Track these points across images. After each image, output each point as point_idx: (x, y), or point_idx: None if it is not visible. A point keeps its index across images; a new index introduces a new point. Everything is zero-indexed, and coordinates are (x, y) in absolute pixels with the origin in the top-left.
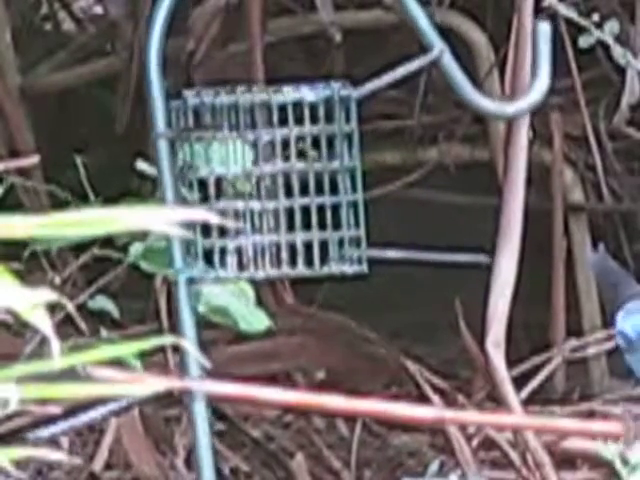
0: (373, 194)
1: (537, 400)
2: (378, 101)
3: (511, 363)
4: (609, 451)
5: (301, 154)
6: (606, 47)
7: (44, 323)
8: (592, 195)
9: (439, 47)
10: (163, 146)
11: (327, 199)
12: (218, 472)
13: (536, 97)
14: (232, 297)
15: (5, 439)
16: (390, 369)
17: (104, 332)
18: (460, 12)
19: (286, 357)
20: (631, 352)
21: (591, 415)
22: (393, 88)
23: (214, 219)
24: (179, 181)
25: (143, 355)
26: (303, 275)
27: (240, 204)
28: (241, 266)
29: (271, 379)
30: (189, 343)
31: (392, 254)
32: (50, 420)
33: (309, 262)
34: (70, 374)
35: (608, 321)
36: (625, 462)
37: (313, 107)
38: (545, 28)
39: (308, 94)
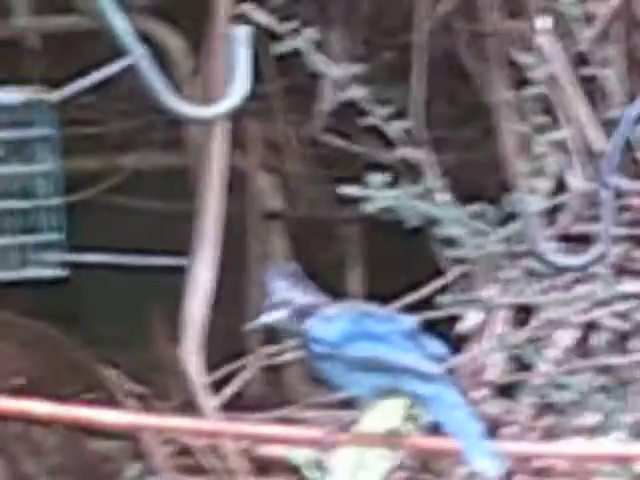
0: (73, 199)
1: (234, 406)
2: (77, 106)
3: (208, 369)
4: (300, 456)
5: (1, 158)
6: (303, 54)
7: None
8: (288, 202)
9: (138, 52)
10: None
11: (27, 203)
12: None
13: (234, 102)
14: None
15: None
16: (87, 375)
17: None
18: (158, 18)
19: None
20: (328, 359)
21: (287, 421)
22: (92, 93)
23: None
24: None
25: None
26: (2, 279)
27: None
28: None
29: None
30: None
31: (92, 258)
32: None
33: (9, 266)
34: None
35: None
36: (318, 467)
37: (12, 111)
38: (243, 34)
39: (6, 98)
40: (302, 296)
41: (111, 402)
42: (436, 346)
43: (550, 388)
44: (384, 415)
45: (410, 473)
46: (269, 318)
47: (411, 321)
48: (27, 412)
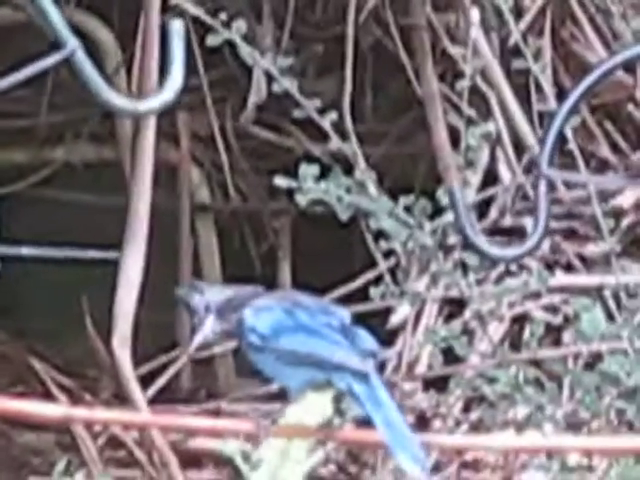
0: (3, 192)
1: (164, 399)
2: (5, 100)
3: (138, 362)
4: (230, 448)
5: None
6: (233, 46)
7: None
8: (219, 194)
9: (72, 45)
10: None
11: None
12: None
13: (169, 95)
14: None
15: None
16: (16, 367)
17: None
18: (87, 10)
19: None
20: (261, 350)
21: (218, 413)
22: (21, 87)
23: None
24: None
25: None
26: None
27: None
28: None
29: None
30: None
31: (24, 251)
32: None
33: None
34: None
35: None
36: (247, 459)
37: None
38: (177, 26)
39: None
40: (220, 294)
41: (42, 395)
42: (368, 340)
43: (481, 381)
44: (311, 408)
45: (339, 466)
46: (202, 335)
47: (344, 313)
48: None
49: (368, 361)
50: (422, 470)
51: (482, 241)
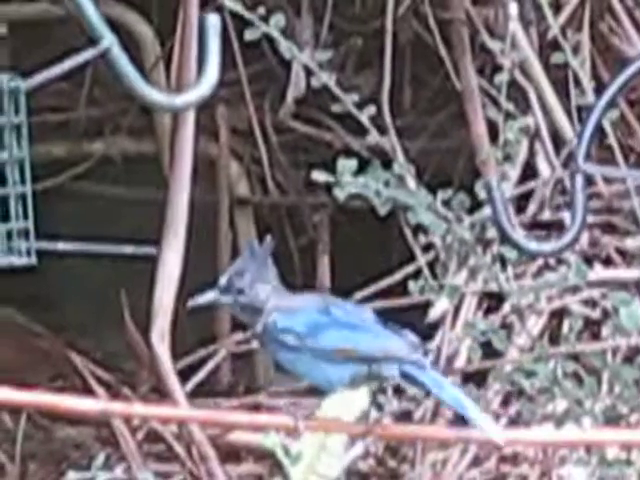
0: (42, 186)
1: (203, 393)
2: (45, 93)
3: (177, 356)
4: (271, 442)
5: None
6: (272, 40)
7: None
8: (258, 188)
9: (108, 39)
10: None
11: None
12: None
13: (205, 90)
14: None
15: None
16: (55, 362)
17: None
18: (126, 5)
19: None
20: (297, 350)
21: (256, 408)
22: (61, 80)
23: None
24: None
25: None
26: None
27: None
28: None
29: None
30: None
31: (61, 246)
32: None
33: None
34: None
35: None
36: (287, 452)
37: None
38: (214, 21)
39: None
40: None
41: (81, 389)
42: (407, 333)
43: (519, 375)
44: (348, 401)
45: (378, 460)
46: (203, 299)
47: (372, 313)
48: None
49: (417, 350)
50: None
51: (519, 235)
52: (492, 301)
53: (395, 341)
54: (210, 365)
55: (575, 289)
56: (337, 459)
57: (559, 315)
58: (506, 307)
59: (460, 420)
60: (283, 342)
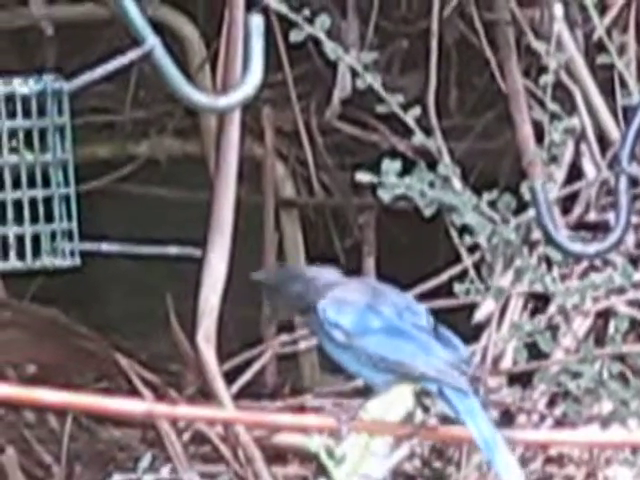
0: (86, 187)
1: (248, 394)
2: (90, 95)
3: (222, 358)
4: (316, 444)
5: (13, 147)
6: (317, 42)
7: None
8: (303, 190)
9: (152, 41)
10: None
11: (39, 192)
12: None
13: (249, 91)
14: None
15: None
16: (101, 363)
17: None
18: (172, 7)
19: None
20: (345, 348)
21: (302, 410)
22: (105, 82)
23: None
24: None
25: None
26: (15, 269)
27: None
28: None
29: None
30: None
31: (105, 247)
32: None
33: (21, 255)
34: None
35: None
36: (331, 455)
37: (25, 100)
38: (258, 22)
39: (21, 87)
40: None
41: (127, 391)
42: (458, 344)
43: (565, 376)
44: (393, 403)
45: (423, 461)
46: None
47: (424, 310)
48: (40, 400)
49: (463, 374)
50: None
51: (563, 237)
52: (538, 302)
53: (439, 359)
54: (256, 367)
55: (621, 290)
56: (381, 460)
57: (605, 316)
58: (552, 308)
59: (505, 421)
60: (331, 336)
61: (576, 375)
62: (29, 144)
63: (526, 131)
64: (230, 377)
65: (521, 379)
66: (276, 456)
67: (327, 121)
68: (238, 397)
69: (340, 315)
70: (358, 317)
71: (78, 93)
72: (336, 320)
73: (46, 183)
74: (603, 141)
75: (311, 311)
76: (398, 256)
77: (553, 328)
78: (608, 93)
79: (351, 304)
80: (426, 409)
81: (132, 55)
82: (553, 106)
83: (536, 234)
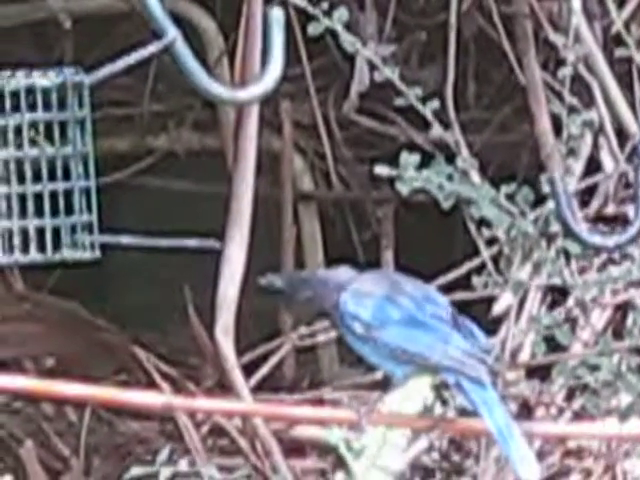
0: (105, 180)
1: (267, 387)
2: (109, 88)
3: (240, 350)
4: (335, 437)
5: (34, 140)
6: (335, 35)
7: None
8: (321, 183)
9: (172, 34)
10: None
11: (60, 185)
12: None
13: (269, 84)
14: None
15: None
16: (119, 356)
17: None
18: (190, 0)
19: (15, 344)
20: (365, 340)
21: (321, 402)
22: (125, 75)
23: None
24: None
25: None
26: (35, 262)
27: None
28: None
29: (0, 366)
30: None
31: (125, 240)
32: None
33: (42, 248)
34: None
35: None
36: (349, 447)
37: (45, 93)
38: (278, 15)
39: (41, 80)
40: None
41: (145, 383)
42: (479, 334)
43: (583, 369)
44: (411, 395)
45: (442, 454)
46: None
47: (445, 301)
48: (59, 393)
49: (482, 365)
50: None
51: (583, 230)
52: (556, 295)
53: (457, 350)
54: (274, 359)
55: (639, 283)
56: (400, 453)
57: (623, 309)
58: (570, 301)
59: (523, 414)
60: (351, 328)
61: (594, 368)
62: (49, 137)
63: (544, 124)
64: (248, 370)
65: (539, 372)
66: (294, 449)
67: (345, 114)
68: (256, 390)
69: (359, 307)
70: (377, 309)
71: (97, 86)
72: (356, 312)
73: (66, 176)
74: (621, 134)
75: (330, 309)
76: (416, 249)
77: (571, 321)
78: (626, 86)
79: (370, 296)
80: (445, 402)
81: (153, 48)
82: (571, 99)
83: (554, 227)
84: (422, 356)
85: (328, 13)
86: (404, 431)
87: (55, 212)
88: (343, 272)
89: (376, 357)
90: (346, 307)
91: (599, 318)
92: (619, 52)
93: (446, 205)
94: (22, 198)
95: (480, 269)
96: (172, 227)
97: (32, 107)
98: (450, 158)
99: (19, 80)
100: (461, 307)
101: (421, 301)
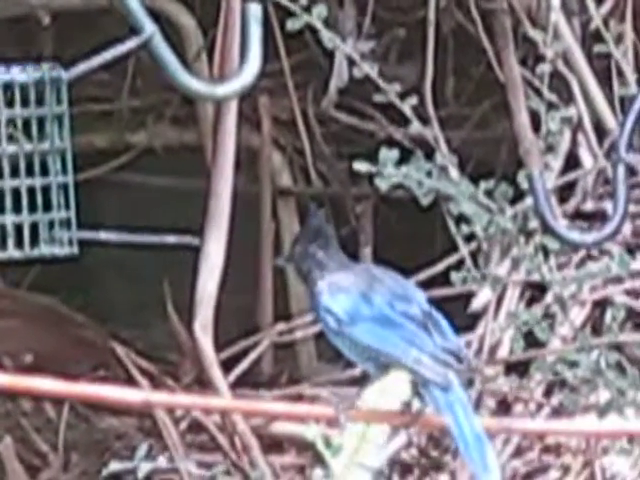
0: (84, 176)
1: (245, 383)
2: (87, 83)
3: (219, 346)
4: (312, 433)
5: (11, 136)
6: (314, 31)
7: None
8: (300, 179)
9: (149, 30)
10: None
11: (37, 181)
12: None
13: (247, 79)
14: None
15: None
16: (98, 352)
17: None
18: None
19: None
20: (336, 334)
21: (299, 398)
22: (103, 70)
23: None
24: None
25: None
26: (13, 257)
27: None
28: None
29: None
30: None
31: (103, 236)
32: None
33: (19, 244)
34: None
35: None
36: (328, 444)
37: (24, 89)
38: (255, 10)
39: (19, 75)
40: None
41: (124, 379)
42: (448, 333)
43: (562, 365)
44: (389, 391)
45: (420, 450)
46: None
47: (421, 297)
48: (37, 389)
49: (446, 367)
50: None
51: (561, 226)
52: (535, 291)
53: (422, 351)
54: (253, 355)
55: (618, 279)
56: (378, 449)
57: (602, 305)
58: (549, 297)
59: (502, 410)
60: (325, 321)
61: (573, 364)
62: (27, 133)
63: (523, 120)
64: (227, 366)
65: (518, 368)
66: (273, 445)
67: (324, 110)
68: (235, 386)
69: (333, 301)
70: (350, 304)
71: (75, 82)
72: (330, 306)
73: (44, 172)
74: (600, 130)
75: (311, 294)
76: (395, 245)
77: (550, 317)
78: (605, 82)
79: (345, 291)
80: (423, 398)
81: (131, 43)
82: (550, 95)
83: (533, 223)
84: (388, 355)
85: (307, 9)
86: (382, 427)
87: (33, 208)
88: (336, 255)
89: (347, 352)
90: (321, 299)
91: (578, 314)
92: (598, 48)
93: (425, 201)
94: (0, 194)
95: (459, 265)
96: (151, 223)
97: (10, 103)
98: (429, 154)
99: None
100: (440, 303)
101: (395, 299)
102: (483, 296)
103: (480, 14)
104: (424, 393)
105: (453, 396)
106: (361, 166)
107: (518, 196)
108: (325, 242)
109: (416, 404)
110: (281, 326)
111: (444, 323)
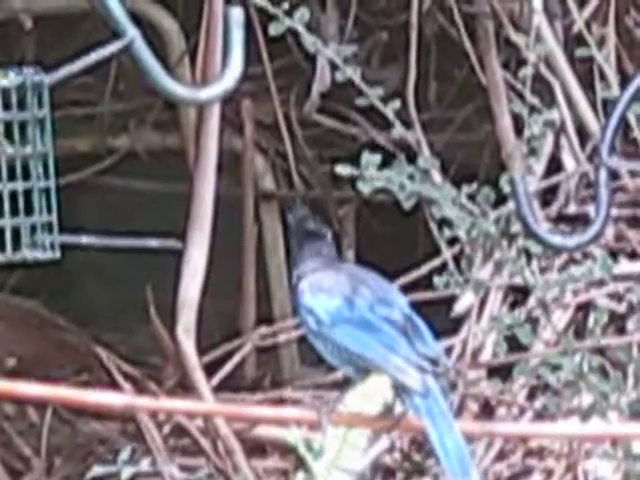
0: (65, 180)
1: (228, 387)
2: (69, 87)
3: (202, 350)
4: (294, 437)
5: None
6: (297, 35)
7: None
8: (283, 182)
9: (131, 34)
10: None
11: (19, 185)
12: None
13: (229, 83)
14: None
15: None
16: (81, 356)
17: None
18: (151, 0)
19: None
20: (316, 335)
21: (282, 402)
22: (85, 74)
23: None
24: None
25: None
26: None
27: None
28: None
29: None
30: None
31: (85, 240)
32: None
33: (1, 248)
34: None
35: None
36: (310, 448)
37: (5, 93)
38: (237, 14)
39: (1, 80)
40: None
41: (106, 383)
42: (428, 340)
43: (545, 369)
44: (371, 395)
45: (403, 454)
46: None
47: (403, 301)
48: (20, 393)
49: (422, 373)
50: None
51: (543, 230)
52: (517, 295)
53: (400, 356)
54: (235, 359)
55: (601, 283)
56: (361, 453)
57: (585, 309)
58: (531, 301)
59: (485, 413)
60: (305, 321)
61: (556, 368)
62: (9, 137)
63: (505, 124)
64: (210, 370)
65: (501, 372)
66: (256, 449)
67: (307, 114)
68: (218, 390)
69: (315, 301)
70: (331, 306)
71: (57, 86)
72: (311, 306)
73: (26, 176)
74: (582, 134)
75: (291, 286)
76: (378, 249)
77: (533, 321)
78: (587, 86)
79: (327, 291)
80: (404, 402)
81: (112, 48)
82: (532, 99)
83: (515, 227)
84: (366, 359)
85: (289, 13)
86: (365, 431)
87: (15, 212)
88: (325, 250)
89: (328, 354)
90: (302, 299)
91: (560, 318)
92: (580, 51)
93: (407, 205)
94: None
95: (441, 269)
96: (133, 227)
97: None
98: (411, 158)
99: None
100: (422, 307)
101: (376, 302)
102: (466, 300)
103: (463, 18)
104: (404, 398)
105: (432, 402)
106: (343, 170)
107: (501, 200)
108: (309, 239)
109: (398, 408)
110: (264, 330)
111: (424, 329)
